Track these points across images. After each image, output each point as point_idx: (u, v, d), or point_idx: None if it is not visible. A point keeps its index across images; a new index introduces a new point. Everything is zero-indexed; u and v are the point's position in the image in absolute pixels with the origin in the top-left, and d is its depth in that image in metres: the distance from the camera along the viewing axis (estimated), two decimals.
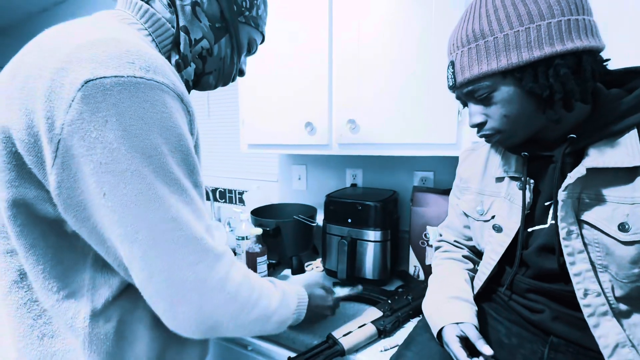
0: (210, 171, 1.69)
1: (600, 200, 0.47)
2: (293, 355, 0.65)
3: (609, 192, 0.47)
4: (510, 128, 0.51)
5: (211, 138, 1.65)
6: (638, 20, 0.61)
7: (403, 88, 0.86)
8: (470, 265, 0.70)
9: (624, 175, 0.46)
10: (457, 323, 0.55)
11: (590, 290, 0.48)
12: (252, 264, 0.94)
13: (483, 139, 0.56)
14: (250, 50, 0.62)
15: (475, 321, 0.55)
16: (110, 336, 0.41)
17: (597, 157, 0.47)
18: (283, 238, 1.09)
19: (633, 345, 0.46)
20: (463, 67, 0.50)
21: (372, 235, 0.96)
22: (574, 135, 0.49)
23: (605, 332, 0.47)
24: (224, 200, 1.65)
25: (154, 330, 0.45)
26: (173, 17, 0.49)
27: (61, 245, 0.40)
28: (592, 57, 0.45)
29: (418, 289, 0.87)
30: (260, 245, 0.95)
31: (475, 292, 0.64)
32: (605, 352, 0.46)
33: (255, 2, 0.56)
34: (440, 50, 0.80)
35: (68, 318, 0.40)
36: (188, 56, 0.51)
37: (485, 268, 0.62)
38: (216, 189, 1.66)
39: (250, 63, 1.07)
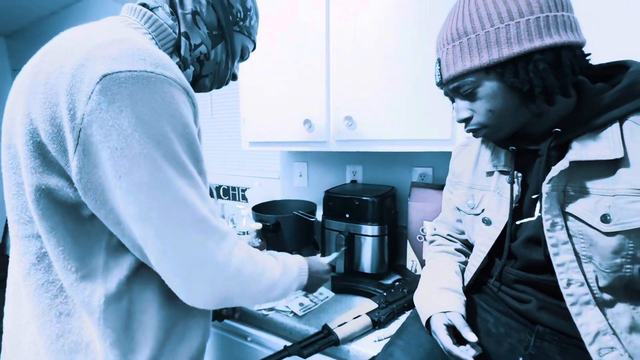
0: (214, 168, 1.72)
1: (584, 192, 0.48)
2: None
3: (592, 185, 0.48)
4: (495, 122, 0.52)
5: (214, 136, 1.68)
6: (621, 16, 0.61)
7: (398, 85, 0.87)
8: (462, 258, 0.71)
9: (606, 168, 0.47)
10: (445, 312, 0.56)
11: (574, 280, 0.49)
12: None
13: (471, 133, 0.57)
14: (243, 57, 0.66)
15: (462, 310, 0.56)
16: (122, 315, 0.45)
17: (580, 150, 0.48)
18: (283, 233, 1.11)
19: (615, 333, 0.47)
20: (448, 64, 0.52)
21: (370, 230, 0.98)
22: (559, 129, 0.50)
23: (587, 320, 0.48)
24: (227, 198, 1.69)
25: (162, 311, 0.48)
26: (175, 24, 0.53)
27: (78, 230, 0.43)
28: (571, 52, 0.46)
29: (414, 282, 0.88)
30: (260, 240, 0.98)
31: (466, 283, 0.65)
32: (587, 340, 0.47)
33: (249, 13, 0.61)
34: (434, 48, 0.81)
35: (85, 296, 0.43)
36: (188, 59, 0.55)
37: (476, 260, 0.63)
38: (220, 186, 1.70)
39: (250, 63, 1.09)
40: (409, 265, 1.03)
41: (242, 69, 1.13)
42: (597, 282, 0.49)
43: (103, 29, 0.44)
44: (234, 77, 0.66)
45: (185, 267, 0.42)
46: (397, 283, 0.92)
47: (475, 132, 0.55)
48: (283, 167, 1.47)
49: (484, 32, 0.47)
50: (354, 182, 1.28)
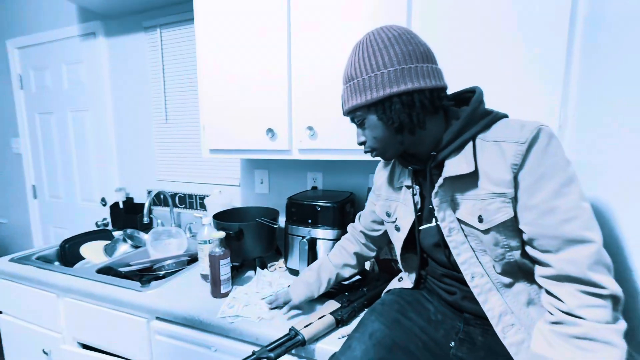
0: (170, 176, 1.65)
1: (464, 200, 0.59)
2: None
3: (468, 193, 0.59)
4: (380, 147, 0.63)
5: (170, 143, 1.62)
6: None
7: None
8: (353, 262, 0.89)
9: (471, 179, 0.58)
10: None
11: (476, 273, 0.59)
12: (215, 266, 0.95)
13: (368, 154, 0.67)
14: None
15: (302, 300, 0.85)
16: None
17: (449, 168, 0.58)
18: (246, 240, 1.12)
19: (512, 312, 0.57)
20: (345, 100, 0.63)
21: (331, 234, 1.04)
22: (435, 152, 0.61)
23: (492, 305, 0.58)
24: (184, 206, 1.63)
25: None
26: None
27: None
28: (422, 95, 0.56)
29: (373, 281, 0.95)
30: (223, 248, 0.98)
31: (413, 280, 0.75)
32: (493, 322, 0.57)
33: None
34: None
35: None
36: None
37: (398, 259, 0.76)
38: (175, 194, 1.63)
39: (211, 71, 1.09)
40: (367, 266, 1.11)
41: (202, 75, 1.12)
42: (494, 269, 0.59)
43: None
44: None
45: None
46: (357, 283, 0.99)
47: (370, 153, 0.67)
48: (243, 174, 1.47)
49: (361, 79, 0.59)
50: (314, 188, 1.33)
